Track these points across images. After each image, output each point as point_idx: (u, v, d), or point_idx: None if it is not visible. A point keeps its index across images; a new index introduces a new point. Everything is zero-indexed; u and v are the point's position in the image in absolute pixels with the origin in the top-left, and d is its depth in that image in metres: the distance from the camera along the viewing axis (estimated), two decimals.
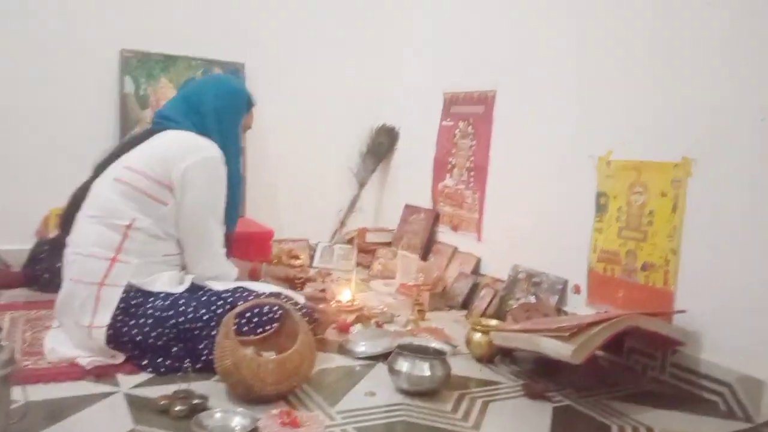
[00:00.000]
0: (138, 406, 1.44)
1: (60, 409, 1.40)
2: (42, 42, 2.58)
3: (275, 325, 1.74)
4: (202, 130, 1.86)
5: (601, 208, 2.04)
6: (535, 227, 2.31)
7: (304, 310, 1.79)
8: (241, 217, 2.79)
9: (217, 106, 1.89)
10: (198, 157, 1.76)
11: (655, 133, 1.89)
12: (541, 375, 1.80)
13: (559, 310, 2.11)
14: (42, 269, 2.32)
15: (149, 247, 1.74)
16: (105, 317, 1.64)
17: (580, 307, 2.08)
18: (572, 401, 1.63)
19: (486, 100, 2.59)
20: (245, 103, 1.99)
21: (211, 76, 2.09)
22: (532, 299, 2.19)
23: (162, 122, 1.88)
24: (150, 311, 1.66)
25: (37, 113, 2.59)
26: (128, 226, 1.71)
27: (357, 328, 2.09)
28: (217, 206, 1.83)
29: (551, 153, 2.26)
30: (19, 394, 1.28)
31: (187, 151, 1.77)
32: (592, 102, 2.10)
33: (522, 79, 2.42)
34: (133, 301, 1.68)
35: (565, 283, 2.15)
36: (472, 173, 2.66)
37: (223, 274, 1.85)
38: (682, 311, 1.76)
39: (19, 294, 2.30)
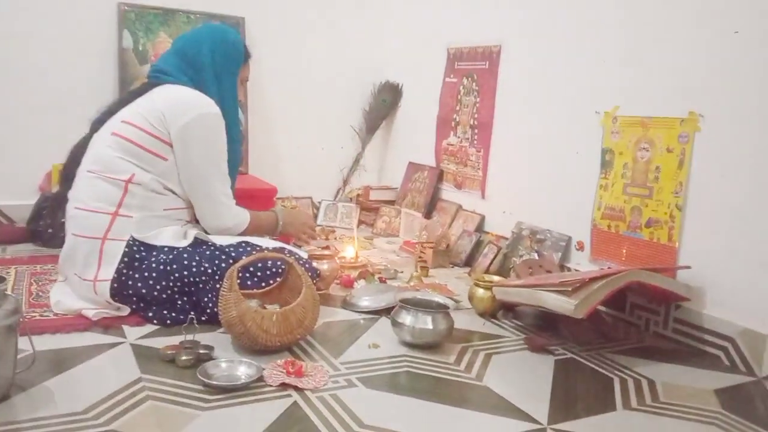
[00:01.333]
0: (144, 356, 1.46)
1: (67, 359, 1.41)
2: None
3: (278, 279, 1.75)
4: (199, 85, 1.83)
5: (606, 165, 2.02)
6: (540, 184, 2.30)
7: (307, 266, 1.80)
8: (244, 175, 2.80)
9: (214, 60, 1.87)
10: (195, 114, 1.74)
11: (662, 88, 1.86)
12: (543, 329, 1.81)
13: (562, 267, 2.12)
14: (45, 224, 2.34)
15: (150, 202, 1.73)
16: (109, 271, 1.65)
17: (583, 264, 2.09)
18: (574, 354, 1.65)
19: (491, 56, 2.55)
20: (241, 56, 1.95)
21: (205, 26, 2.03)
22: (535, 256, 2.19)
23: (158, 76, 1.85)
24: (154, 265, 1.67)
25: (36, 70, 2.56)
26: (128, 181, 1.70)
27: (360, 283, 2.10)
28: (219, 161, 1.82)
29: (557, 109, 2.23)
30: (26, 344, 1.29)
31: (184, 108, 1.75)
32: (599, 57, 2.06)
33: (527, 33, 2.37)
34: (137, 255, 1.68)
35: (569, 240, 2.15)
36: (476, 130, 2.63)
37: (238, 223, 1.85)
38: (687, 267, 1.76)
39: (24, 249, 2.32)
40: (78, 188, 1.76)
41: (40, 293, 1.80)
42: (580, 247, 2.11)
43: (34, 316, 1.62)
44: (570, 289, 1.58)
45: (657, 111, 1.87)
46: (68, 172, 1.82)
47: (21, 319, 1.26)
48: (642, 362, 1.63)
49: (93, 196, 1.70)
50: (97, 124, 1.83)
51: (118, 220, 1.68)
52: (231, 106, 1.91)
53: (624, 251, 1.95)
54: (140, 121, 1.74)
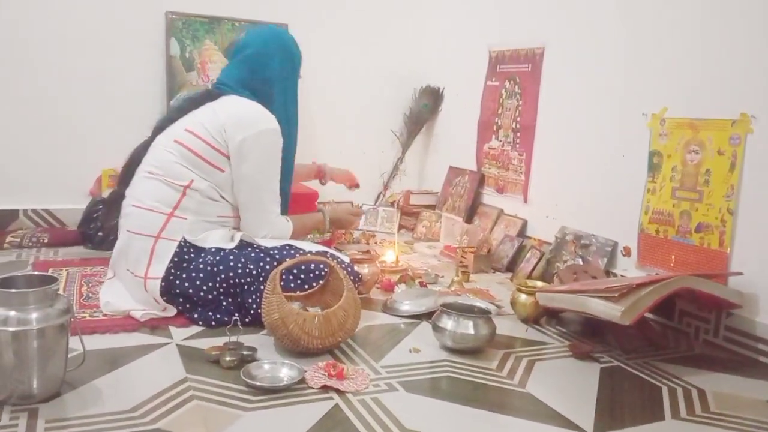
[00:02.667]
0: (190, 356, 1.49)
1: (116, 358, 1.45)
2: (89, 5, 2.61)
3: (320, 282, 1.76)
4: (264, 98, 1.89)
5: (654, 168, 1.97)
6: (584, 189, 2.25)
7: (349, 269, 1.81)
8: None
9: (282, 73, 1.93)
10: (255, 131, 1.80)
11: (712, 88, 1.80)
12: (588, 336, 1.78)
13: (608, 273, 2.07)
14: (96, 228, 2.40)
15: (205, 207, 1.79)
16: (159, 269, 1.70)
17: (630, 270, 2.04)
18: (620, 362, 1.61)
19: (533, 58, 2.52)
20: (301, 59, 2.03)
21: (271, 36, 2.01)
22: (580, 261, 2.15)
23: (221, 88, 1.91)
24: (201, 266, 1.71)
25: (87, 77, 2.64)
26: (187, 186, 1.76)
27: (401, 287, 2.10)
28: (271, 177, 1.88)
29: (602, 111, 2.19)
30: (77, 344, 1.33)
31: (245, 124, 1.81)
32: (646, 57, 2.01)
33: (571, 34, 2.34)
34: (186, 256, 1.72)
35: (615, 245, 2.10)
36: (518, 134, 2.60)
37: (276, 237, 1.89)
38: (739, 273, 1.70)
39: (75, 251, 2.39)
40: (136, 188, 1.82)
41: (91, 294, 1.86)
42: (627, 252, 2.06)
43: (85, 317, 1.67)
44: (616, 294, 1.54)
45: (707, 112, 1.81)
46: (127, 173, 1.89)
47: (72, 319, 1.29)
48: (692, 371, 1.58)
49: (151, 196, 1.77)
50: (158, 131, 1.90)
51: (172, 220, 1.74)
52: (294, 113, 1.98)
53: (673, 257, 1.90)
54: (202, 131, 1.80)
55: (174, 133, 1.83)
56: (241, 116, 1.83)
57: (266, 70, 1.91)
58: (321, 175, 2.41)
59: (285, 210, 1.98)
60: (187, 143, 1.79)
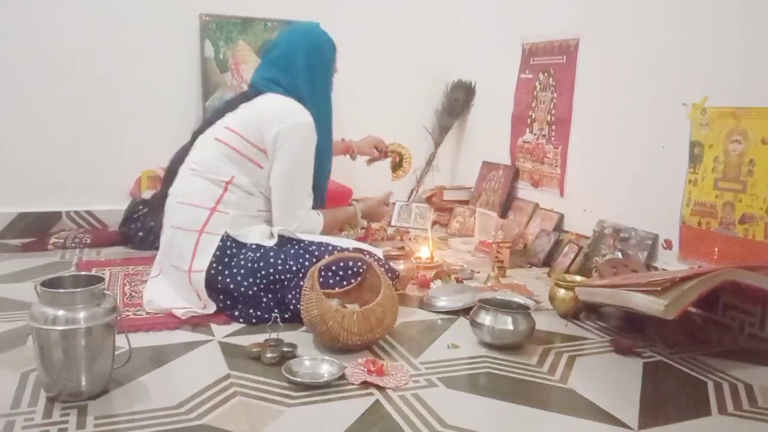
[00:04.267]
0: (231, 353, 1.51)
1: (160, 356, 1.48)
2: (126, 11, 2.66)
3: (358, 279, 1.77)
4: (294, 93, 1.91)
5: (695, 159, 1.93)
6: (623, 181, 2.21)
7: (386, 267, 1.81)
8: None
9: (308, 68, 1.93)
10: (289, 123, 1.83)
11: (754, 76, 1.75)
12: (629, 331, 1.75)
13: (648, 267, 2.03)
14: (136, 228, 2.46)
15: (245, 202, 1.84)
16: (204, 262, 1.73)
17: (671, 263, 1.99)
18: (663, 357, 1.58)
19: (568, 50, 2.48)
20: (334, 53, 2.03)
21: (297, 33, 2.05)
22: (619, 255, 2.11)
23: (257, 88, 1.95)
24: (242, 262, 1.74)
25: (125, 81, 2.68)
26: (228, 182, 1.81)
27: (437, 283, 2.09)
28: (303, 170, 1.89)
29: (640, 102, 2.14)
30: (122, 342, 1.36)
31: (279, 117, 1.84)
32: (685, 46, 1.96)
33: (606, 24, 2.30)
34: (228, 251, 1.76)
35: (655, 238, 2.06)
36: (553, 127, 2.57)
37: (309, 229, 1.90)
38: None
39: (116, 251, 2.44)
40: (180, 184, 1.87)
41: (134, 293, 1.90)
42: (668, 245, 2.02)
43: (128, 315, 1.71)
44: (659, 288, 1.51)
45: (749, 101, 1.76)
46: (170, 174, 1.93)
47: (118, 318, 1.32)
48: (737, 365, 1.54)
49: (194, 192, 1.81)
50: (198, 133, 1.94)
51: (215, 215, 1.78)
52: (325, 109, 1.98)
53: (716, 249, 1.86)
54: (240, 128, 1.85)
55: (214, 133, 1.87)
56: (275, 111, 1.87)
57: (292, 67, 1.92)
58: (350, 150, 2.42)
59: (321, 206, 2.00)
60: (227, 140, 1.84)
